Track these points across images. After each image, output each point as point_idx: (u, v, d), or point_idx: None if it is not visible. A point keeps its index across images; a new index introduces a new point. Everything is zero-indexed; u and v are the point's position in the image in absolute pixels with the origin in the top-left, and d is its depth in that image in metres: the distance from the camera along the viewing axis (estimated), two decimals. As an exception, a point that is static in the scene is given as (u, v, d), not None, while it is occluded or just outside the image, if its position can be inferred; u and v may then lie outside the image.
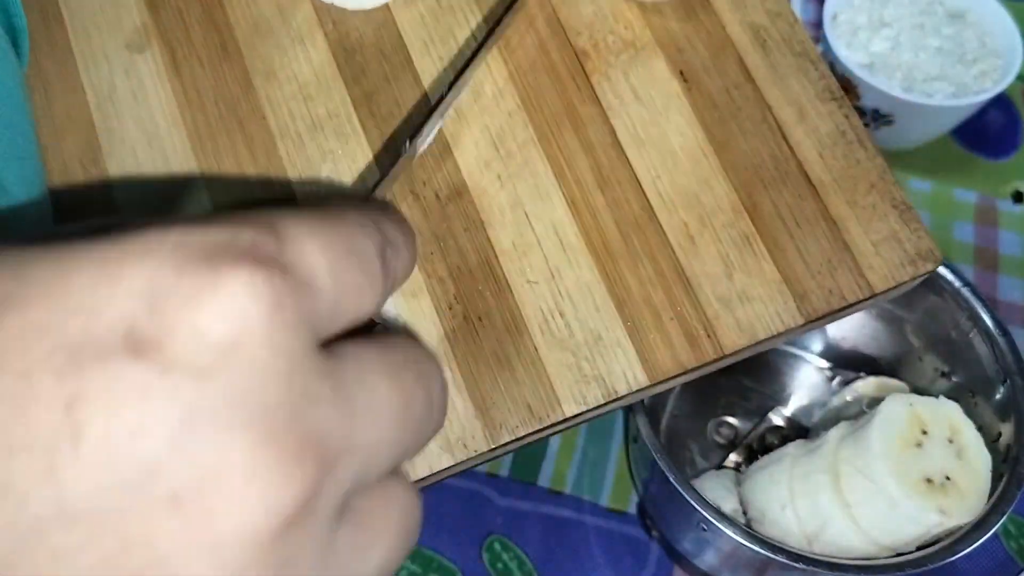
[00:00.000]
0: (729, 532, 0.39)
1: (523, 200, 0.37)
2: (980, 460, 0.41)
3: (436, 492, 0.48)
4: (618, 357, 0.35)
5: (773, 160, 0.38)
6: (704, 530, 0.40)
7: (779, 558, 0.38)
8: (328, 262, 0.22)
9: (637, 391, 0.35)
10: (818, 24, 0.62)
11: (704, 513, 0.39)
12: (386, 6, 0.40)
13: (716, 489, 0.45)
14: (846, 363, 0.52)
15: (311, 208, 0.23)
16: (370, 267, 0.23)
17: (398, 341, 0.25)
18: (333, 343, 0.22)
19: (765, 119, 0.38)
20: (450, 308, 0.36)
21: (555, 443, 0.51)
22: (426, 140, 0.36)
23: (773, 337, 0.36)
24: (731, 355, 0.36)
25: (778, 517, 0.42)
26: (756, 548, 0.38)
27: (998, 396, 0.43)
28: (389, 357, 0.24)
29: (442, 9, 0.40)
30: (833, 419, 0.48)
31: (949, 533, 0.40)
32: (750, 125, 0.38)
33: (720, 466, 0.49)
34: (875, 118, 0.59)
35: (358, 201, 0.28)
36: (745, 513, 0.45)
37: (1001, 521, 0.39)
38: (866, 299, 0.36)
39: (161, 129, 0.38)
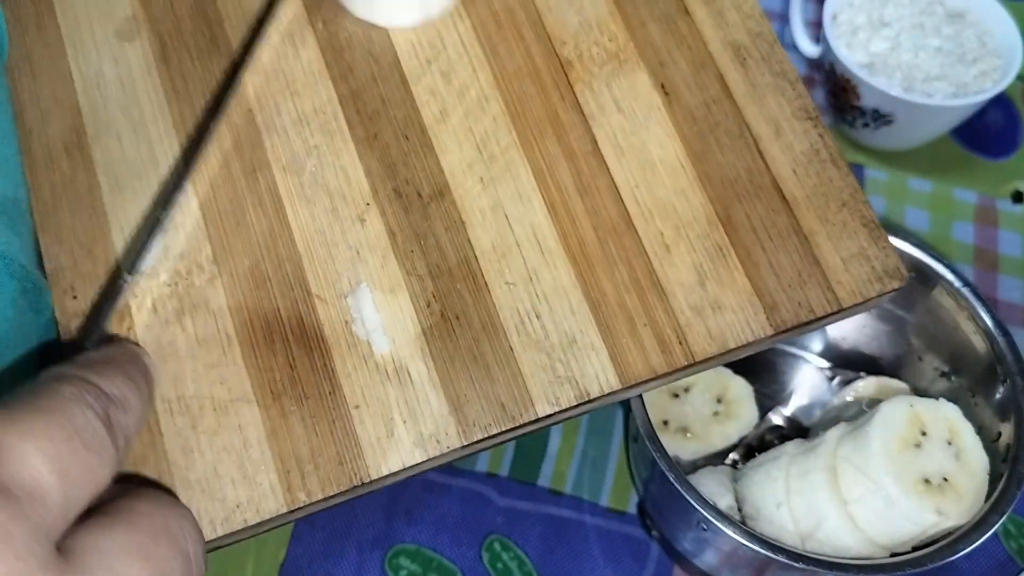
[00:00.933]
0: (729, 532, 0.38)
1: (504, 203, 0.38)
2: (978, 462, 0.41)
3: (436, 492, 0.49)
4: (591, 360, 0.36)
5: (748, 174, 0.39)
6: (704, 530, 0.40)
7: (779, 558, 0.38)
8: (50, 461, 0.22)
9: (609, 394, 0.35)
10: (818, 24, 0.62)
11: (704, 513, 0.39)
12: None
13: (712, 485, 0.45)
14: (846, 363, 0.52)
15: (21, 399, 0.24)
16: (96, 442, 0.24)
17: (143, 508, 0.25)
18: (74, 531, 0.22)
19: (742, 134, 0.39)
20: (428, 305, 0.36)
21: (555, 443, 0.51)
22: (147, 262, 0.36)
23: (743, 347, 0.37)
24: (701, 363, 0.36)
25: (773, 515, 0.42)
26: (756, 548, 0.38)
27: (998, 396, 0.43)
28: (136, 535, 0.24)
29: (431, 13, 0.40)
30: (833, 419, 0.48)
31: (945, 534, 0.40)
32: (727, 140, 0.39)
33: (718, 463, 0.50)
34: (875, 118, 0.59)
35: (74, 361, 0.29)
36: (740, 510, 0.45)
37: (1001, 521, 0.39)
38: (833, 313, 0.37)
39: (147, 117, 0.38)
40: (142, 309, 0.35)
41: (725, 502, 0.44)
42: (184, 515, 0.27)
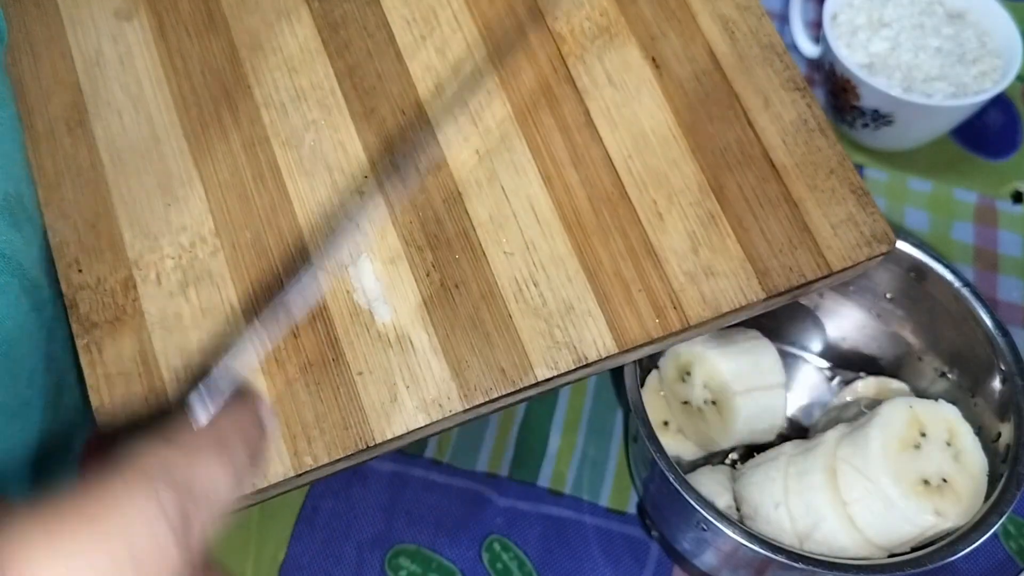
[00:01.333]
0: (729, 532, 0.38)
1: (500, 175, 0.39)
2: (977, 463, 0.41)
3: (436, 492, 0.49)
4: (589, 326, 0.37)
5: (739, 144, 0.40)
6: (704, 530, 0.40)
7: (779, 558, 0.38)
8: None
9: (606, 358, 0.36)
10: (818, 24, 0.62)
11: (704, 513, 0.39)
12: (371, -15, 0.41)
13: (710, 484, 0.45)
14: (846, 363, 0.52)
15: (77, 503, 0.21)
16: (157, 563, 0.21)
17: None
18: None
19: (732, 105, 0.40)
20: (427, 275, 0.37)
21: (555, 443, 0.51)
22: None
23: (736, 311, 0.37)
24: (696, 326, 0.37)
25: (771, 515, 0.42)
26: (756, 548, 0.38)
27: (998, 396, 0.43)
28: None
29: (425, -10, 0.41)
30: (832, 419, 0.48)
31: (943, 535, 0.40)
32: (718, 111, 0.40)
33: (717, 463, 0.50)
34: (875, 118, 0.58)
35: (173, 438, 0.25)
36: (739, 509, 0.45)
37: (1001, 521, 0.39)
38: (824, 277, 0.38)
39: (147, 95, 0.39)
40: (147, 281, 0.36)
41: (723, 502, 0.44)
42: None
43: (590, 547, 0.48)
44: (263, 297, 0.36)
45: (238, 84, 0.39)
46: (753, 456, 0.46)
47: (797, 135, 0.40)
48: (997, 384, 0.43)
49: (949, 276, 0.45)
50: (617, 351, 0.36)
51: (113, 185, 0.37)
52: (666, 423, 0.48)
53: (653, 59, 0.41)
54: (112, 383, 0.35)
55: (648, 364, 0.48)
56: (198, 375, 0.34)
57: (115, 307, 0.36)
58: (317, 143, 0.39)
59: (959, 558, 0.38)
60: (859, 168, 0.62)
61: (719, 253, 0.38)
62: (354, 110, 0.39)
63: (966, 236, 0.60)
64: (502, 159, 0.39)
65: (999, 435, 0.42)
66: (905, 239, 0.45)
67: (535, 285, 0.37)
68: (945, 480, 0.40)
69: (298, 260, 0.37)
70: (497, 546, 0.48)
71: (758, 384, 0.45)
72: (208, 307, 0.36)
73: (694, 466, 0.48)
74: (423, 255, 0.37)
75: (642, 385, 0.46)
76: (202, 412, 0.27)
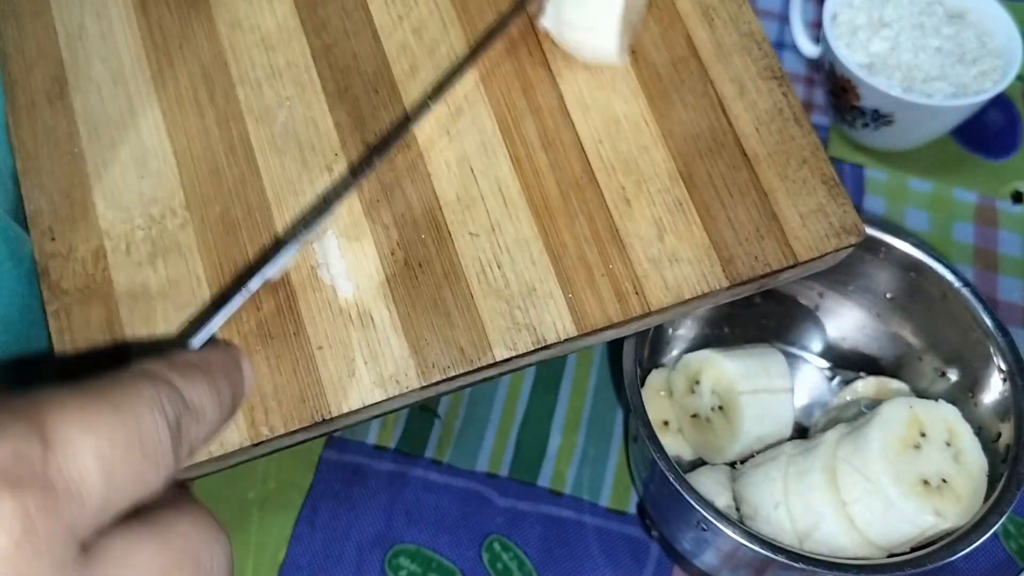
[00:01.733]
0: (729, 532, 0.38)
1: (469, 156, 0.39)
2: (976, 464, 0.41)
3: (436, 492, 0.49)
4: (550, 308, 0.37)
5: (711, 132, 0.40)
6: (704, 530, 0.40)
7: (779, 558, 0.38)
8: (102, 463, 0.22)
9: (565, 340, 0.36)
10: (818, 24, 0.62)
11: (704, 513, 0.39)
12: (351, -35, 0.41)
13: (709, 484, 0.45)
14: (846, 363, 0.52)
15: (98, 387, 0.24)
16: (156, 452, 0.24)
17: (182, 528, 0.25)
18: (107, 533, 0.22)
19: (707, 92, 0.40)
20: (392, 253, 0.37)
21: (555, 443, 0.51)
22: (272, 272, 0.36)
23: (699, 298, 0.37)
24: (657, 312, 0.37)
25: (771, 515, 0.42)
26: (756, 548, 0.38)
27: (998, 397, 0.43)
28: (164, 555, 0.24)
29: (405, -29, 0.41)
30: (832, 419, 0.48)
31: (943, 535, 0.40)
32: (692, 98, 0.40)
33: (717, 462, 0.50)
34: (875, 118, 0.59)
35: (167, 359, 0.28)
36: (738, 509, 0.45)
37: (1001, 521, 0.39)
38: (790, 267, 0.38)
39: (126, 70, 0.40)
40: (116, 251, 0.37)
41: (723, 501, 0.44)
42: (220, 543, 0.27)
43: (590, 547, 0.48)
44: (229, 270, 0.37)
45: (215, 60, 0.40)
46: (753, 456, 0.46)
47: (771, 124, 0.40)
48: (997, 384, 0.43)
49: (949, 276, 0.45)
50: (576, 334, 0.36)
51: (89, 157, 0.38)
52: (666, 423, 0.48)
53: (630, 44, 0.41)
54: (78, 348, 0.35)
55: (648, 364, 0.48)
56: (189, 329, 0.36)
57: (85, 276, 0.36)
58: (290, 120, 0.39)
59: (959, 558, 0.38)
60: (859, 168, 0.61)
61: (684, 240, 0.38)
62: (328, 88, 0.40)
63: (966, 236, 0.60)
64: (473, 140, 0.39)
65: (999, 435, 0.42)
66: (905, 239, 0.45)
67: (498, 267, 0.37)
68: (945, 480, 0.40)
69: (265, 235, 0.37)
70: (497, 546, 0.48)
71: (765, 386, 0.45)
72: (175, 278, 0.37)
73: (694, 466, 0.48)
74: (388, 233, 0.38)
75: (642, 385, 0.46)
76: (196, 344, 0.32)
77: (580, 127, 0.39)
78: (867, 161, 0.62)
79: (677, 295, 0.37)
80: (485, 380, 0.38)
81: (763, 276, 0.38)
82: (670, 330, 0.50)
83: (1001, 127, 0.65)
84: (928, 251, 0.46)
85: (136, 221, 0.37)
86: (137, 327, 0.36)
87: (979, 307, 0.44)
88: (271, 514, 0.48)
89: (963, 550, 0.38)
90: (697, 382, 0.46)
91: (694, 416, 0.47)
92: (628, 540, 0.49)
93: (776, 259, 0.38)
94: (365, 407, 0.35)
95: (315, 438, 0.37)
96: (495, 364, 0.36)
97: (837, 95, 0.60)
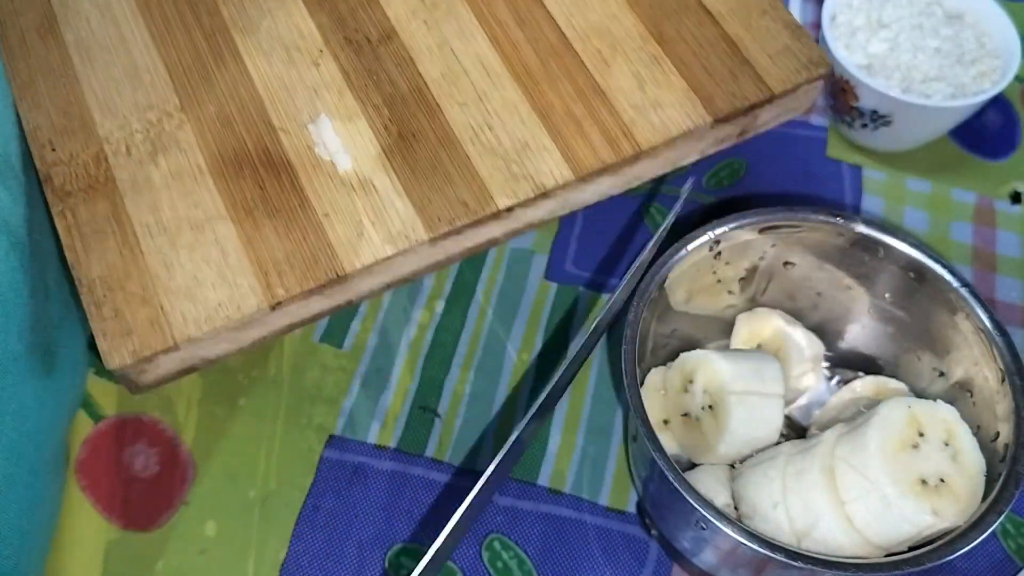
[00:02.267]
0: (728, 531, 0.38)
1: (449, 40, 0.41)
2: (974, 464, 0.41)
3: (436, 491, 0.48)
4: (544, 159, 0.38)
5: (673, -3, 0.42)
6: (703, 529, 0.40)
7: (778, 556, 0.38)
8: None
9: (564, 185, 0.37)
10: (817, 25, 0.61)
11: (703, 512, 0.38)
12: None
13: (709, 483, 0.45)
14: (844, 363, 0.52)
15: None
16: None
17: None
18: None
19: (664, -36, 0.43)
20: (385, 128, 0.39)
21: (555, 443, 0.51)
22: None
23: (685, 135, 0.39)
24: (648, 152, 0.38)
25: (769, 514, 0.42)
26: (755, 547, 0.38)
27: (996, 396, 0.43)
28: None
29: None
30: (831, 419, 0.48)
31: (941, 534, 0.39)
32: (650, -30, 0.42)
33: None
34: (873, 119, 0.58)
35: None
36: (737, 508, 0.44)
37: (999, 520, 0.39)
38: (767, 101, 0.40)
39: (112, 2, 0.41)
40: (117, 154, 0.38)
41: (721, 500, 0.44)
42: None
43: (590, 546, 0.48)
44: (229, 158, 0.38)
45: (197, -14, 0.42)
46: (742, 459, 0.46)
47: (727, -16, 0.42)
48: (995, 384, 0.43)
49: (947, 276, 0.45)
50: (573, 178, 0.38)
51: (83, 78, 0.39)
52: (666, 422, 0.48)
53: (586, -67, 0.43)
54: (87, 241, 0.36)
55: (648, 363, 0.49)
56: None
57: (88, 177, 0.37)
58: (273, 27, 0.41)
59: (958, 557, 0.38)
60: (857, 169, 0.62)
61: (664, 88, 0.40)
62: (306, -4, 0.42)
63: (964, 236, 0.59)
64: (450, 27, 0.41)
65: (997, 434, 0.43)
66: (904, 239, 0.46)
67: (490, 129, 0.39)
68: (943, 480, 0.40)
69: (260, 124, 0.38)
70: (497, 545, 0.48)
71: (756, 389, 0.45)
72: (177, 170, 0.37)
73: (693, 465, 0.48)
74: (380, 112, 0.39)
75: (641, 384, 0.47)
76: None
77: (549, 4, 0.41)
78: (866, 162, 0.62)
79: (664, 134, 0.39)
80: (492, 243, 0.39)
81: (743, 112, 0.39)
82: (668, 329, 0.50)
83: (999, 127, 0.64)
84: (927, 251, 0.46)
85: (134, 126, 0.38)
86: (143, 215, 0.36)
87: (977, 307, 0.44)
88: (272, 513, 0.47)
89: (961, 549, 0.38)
90: (691, 381, 0.46)
91: (685, 415, 0.47)
92: (628, 539, 0.48)
93: (753, 94, 0.39)
94: (377, 262, 0.36)
95: (334, 311, 0.37)
96: (498, 214, 0.37)
97: (836, 96, 0.59)
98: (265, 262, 0.36)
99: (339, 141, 0.38)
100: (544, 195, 0.37)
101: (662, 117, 0.39)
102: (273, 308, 0.35)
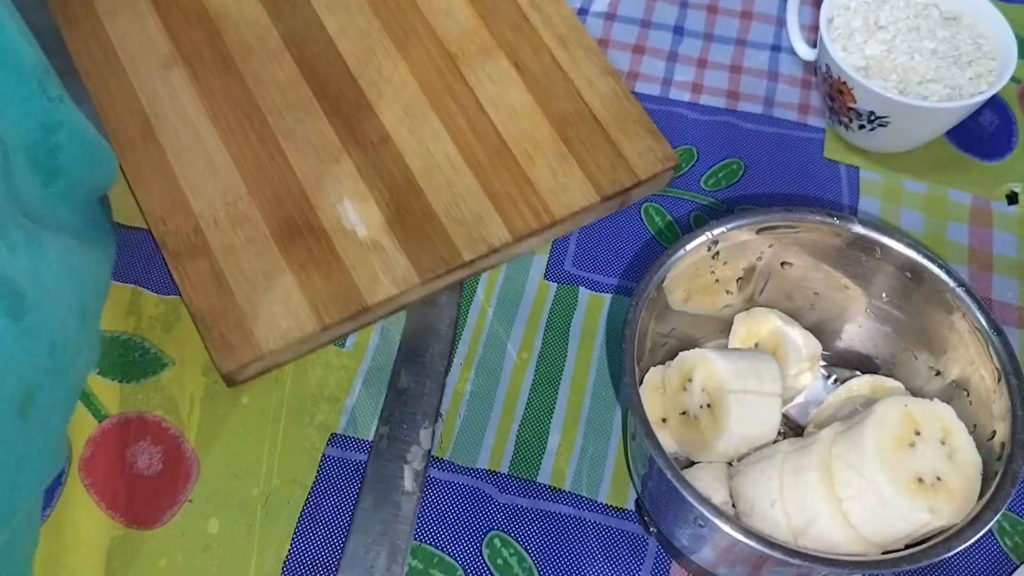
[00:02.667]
0: (726, 528, 0.38)
1: (426, 142, 0.60)
2: (971, 462, 0.41)
3: (437, 489, 0.49)
4: (493, 227, 0.58)
5: (576, 111, 0.62)
6: (701, 526, 0.40)
7: (776, 554, 0.38)
8: None
9: (505, 244, 0.57)
10: (814, 27, 0.62)
11: (701, 509, 0.39)
12: None
13: (706, 480, 0.45)
14: (842, 362, 0.52)
15: None
16: None
17: None
18: None
19: (568, 88, 0.63)
20: (388, 206, 0.58)
21: (554, 441, 0.51)
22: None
23: (584, 209, 0.59)
24: (560, 220, 0.59)
25: (767, 511, 0.42)
26: (753, 544, 0.38)
27: (992, 395, 0.43)
28: None
29: None
30: (828, 417, 0.48)
31: (937, 533, 0.40)
32: (561, 91, 0.63)
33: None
34: (870, 120, 0.58)
35: None
36: (734, 505, 0.44)
37: (996, 518, 0.39)
38: (636, 185, 0.60)
39: (191, 115, 0.60)
40: (208, 226, 0.56)
41: (719, 498, 0.44)
42: None
43: (589, 543, 0.48)
44: (284, 227, 0.57)
45: (248, 102, 0.60)
46: (740, 457, 0.46)
47: (611, 101, 0.63)
48: (992, 383, 0.43)
49: (944, 276, 0.45)
50: (512, 239, 0.58)
51: (177, 171, 0.58)
52: (664, 420, 0.48)
53: (516, 64, 0.64)
54: (195, 287, 0.54)
55: (647, 362, 0.49)
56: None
57: (190, 243, 0.56)
58: (305, 133, 0.60)
59: (955, 554, 0.38)
60: (855, 170, 0.63)
61: (569, 176, 0.60)
62: (326, 111, 0.61)
63: (961, 237, 0.59)
64: (426, 131, 0.61)
65: (994, 433, 0.42)
66: (900, 239, 0.46)
67: (457, 207, 0.58)
68: (939, 478, 0.40)
69: (302, 204, 0.57)
70: (497, 542, 0.48)
71: (754, 388, 0.45)
72: (250, 237, 0.56)
73: (691, 463, 0.48)
74: (383, 194, 0.58)
75: (640, 383, 0.48)
76: None
77: (493, 117, 0.61)
78: (863, 163, 0.62)
79: (570, 208, 0.59)
80: (463, 279, 0.58)
81: (621, 192, 0.60)
82: (667, 328, 0.51)
83: (996, 128, 0.64)
84: (923, 251, 0.46)
85: (217, 206, 0.57)
86: (231, 268, 0.55)
87: (973, 306, 0.44)
88: (275, 511, 0.48)
89: (958, 547, 0.38)
90: (690, 380, 0.46)
91: (683, 414, 0.47)
92: (626, 536, 0.48)
93: (627, 179, 0.60)
94: (388, 298, 0.55)
95: (359, 328, 0.57)
96: (465, 264, 0.57)
97: (833, 98, 0.60)
98: (315, 300, 0.55)
99: (357, 216, 0.58)
100: (494, 251, 0.58)
101: (568, 197, 0.59)
102: (322, 330, 0.54)
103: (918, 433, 0.41)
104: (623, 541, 0.48)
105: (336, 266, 0.56)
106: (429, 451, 0.51)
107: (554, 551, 0.48)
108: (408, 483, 0.50)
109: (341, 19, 0.64)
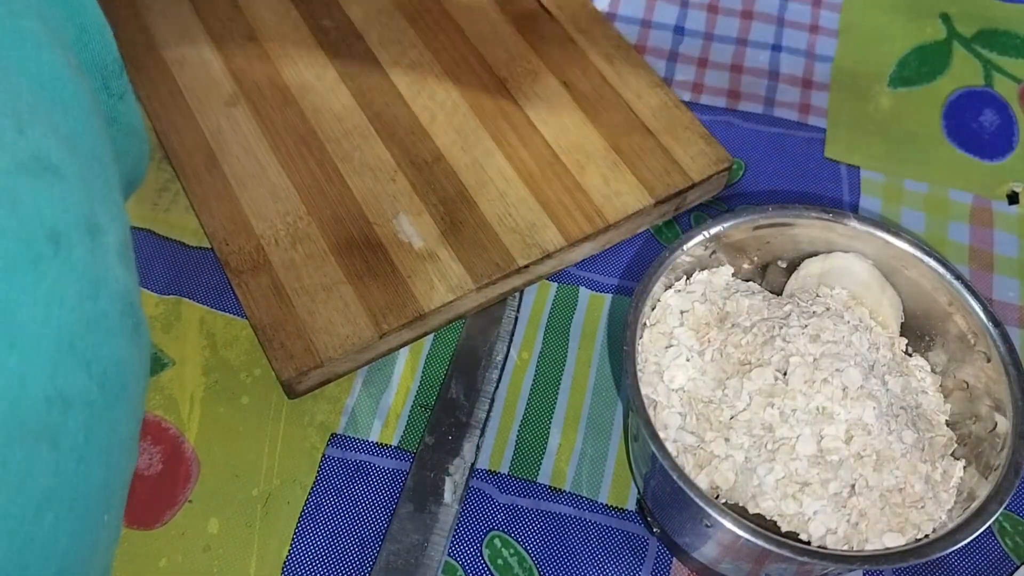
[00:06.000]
0: (731, 526, 0.39)
1: (479, 159, 0.61)
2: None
3: None
4: (546, 233, 0.58)
5: (626, 122, 0.63)
6: (708, 526, 0.41)
7: (782, 551, 0.38)
8: None
9: (559, 249, 0.57)
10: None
11: (706, 508, 0.39)
12: None
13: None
14: None
15: None
16: None
17: None
18: None
19: (618, 100, 0.64)
20: (442, 219, 0.59)
21: (554, 441, 0.52)
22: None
23: (638, 212, 0.59)
24: (614, 225, 0.59)
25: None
26: (759, 541, 0.38)
27: (992, 388, 0.44)
28: None
29: None
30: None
31: (943, 525, 0.41)
32: (610, 105, 0.63)
33: None
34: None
35: None
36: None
37: (1001, 509, 0.39)
38: (690, 187, 0.60)
39: (253, 147, 0.62)
40: (269, 245, 0.58)
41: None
42: None
43: (590, 543, 0.48)
44: (344, 243, 0.58)
45: (308, 132, 0.63)
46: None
47: (661, 111, 0.63)
48: (991, 375, 0.44)
49: (941, 269, 0.46)
50: (566, 244, 0.58)
51: (240, 197, 0.60)
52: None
53: (564, 83, 0.65)
54: (257, 301, 0.56)
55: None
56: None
57: (252, 261, 0.57)
58: (362, 157, 0.62)
59: (954, 554, 0.39)
60: (855, 169, 0.64)
61: (622, 183, 0.60)
62: (382, 136, 0.62)
63: (961, 236, 0.59)
64: (479, 150, 0.62)
65: (995, 425, 0.43)
66: (896, 234, 0.47)
67: (510, 216, 0.59)
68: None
69: (361, 222, 0.59)
70: (498, 542, 0.48)
71: None
72: (310, 253, 0.57)
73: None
74: (437, 208, 0.59)
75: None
76: None
77: (544, 132, 0.62)
78: (863, 163, 0.63)
79: (624, 212, 0.59)
80: (516, 289, 0.58)
81: (675, 195, 0.60)
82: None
83: (996, 128, 0.65)
84: (920, 245, 0.47)
85: (278, 226, 0.59)
86: (291, 283, 0.56)
87: (971, 299, 0.45)
88: (274, 511, 0.48)
89: (963, 540, 0.38)
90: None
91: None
92: (627, 535, 0.49)
93: (682, 182, 0.60)
94: (444, 305, 0.56)
95: (417, 338, 0.57)
96: (519, 270, 0.57)
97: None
98: (373, 309, 0.55)
99: (413, 229, 0.58)
100: (548, 256, 0.58)
101: (622, 203, 0.59)
102: (380, 338, 0.55)
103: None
104: (624, 541, 0.48)
105: (393, 276, 0.57)
106: (472, 463, 0.52)
107: (554, 551, 0.48)
108: (448, 495, 0.50)
109: (394, 53, 0.66)
